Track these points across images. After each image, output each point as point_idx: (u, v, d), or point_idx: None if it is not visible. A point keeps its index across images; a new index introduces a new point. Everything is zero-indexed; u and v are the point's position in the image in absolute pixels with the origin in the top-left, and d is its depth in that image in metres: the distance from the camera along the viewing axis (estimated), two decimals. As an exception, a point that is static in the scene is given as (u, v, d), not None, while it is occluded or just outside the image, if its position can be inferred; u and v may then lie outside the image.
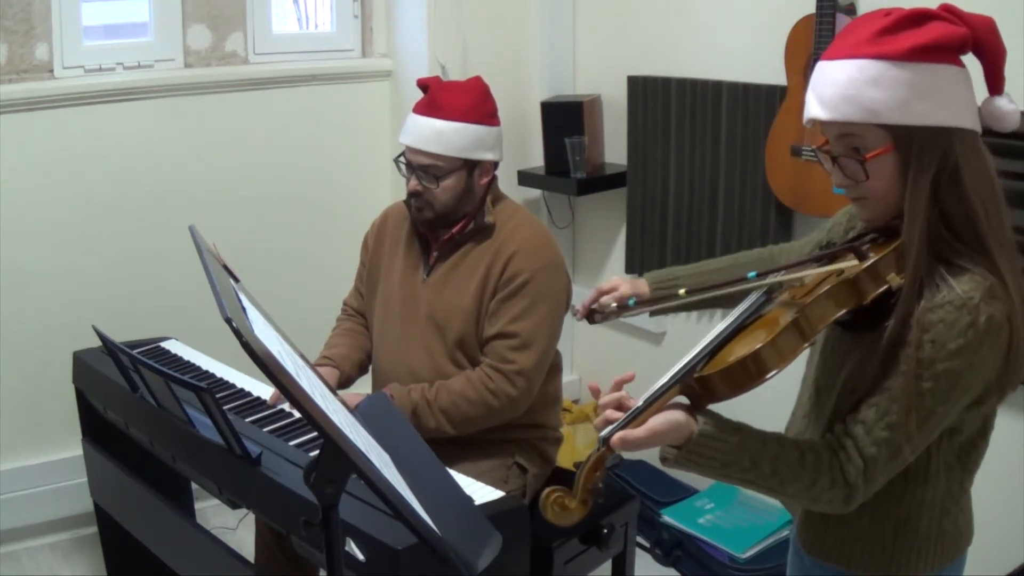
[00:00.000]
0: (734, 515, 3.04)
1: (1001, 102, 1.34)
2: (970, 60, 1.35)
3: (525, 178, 3.50)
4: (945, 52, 1.29)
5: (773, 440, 1.35)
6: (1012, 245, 1.34)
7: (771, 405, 1.71)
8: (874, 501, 1.39)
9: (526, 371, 2.25)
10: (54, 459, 3.12)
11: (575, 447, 3.43)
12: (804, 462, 1.33)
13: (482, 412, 2.24)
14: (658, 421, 1.30)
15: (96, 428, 2.61)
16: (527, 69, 3.54)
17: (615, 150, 3.43)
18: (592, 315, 1.73)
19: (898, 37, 1.29)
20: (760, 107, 2.84)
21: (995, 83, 1.34)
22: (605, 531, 2.33)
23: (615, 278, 1.77)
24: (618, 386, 1.40)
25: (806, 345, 1.30)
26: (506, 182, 3.15)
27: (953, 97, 1.29)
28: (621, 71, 3.30)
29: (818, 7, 2.48)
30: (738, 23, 2.95)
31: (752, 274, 1.45)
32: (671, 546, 3.01)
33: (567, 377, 2.69)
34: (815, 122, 1.36)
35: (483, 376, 2.25)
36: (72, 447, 2.87)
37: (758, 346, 1.26)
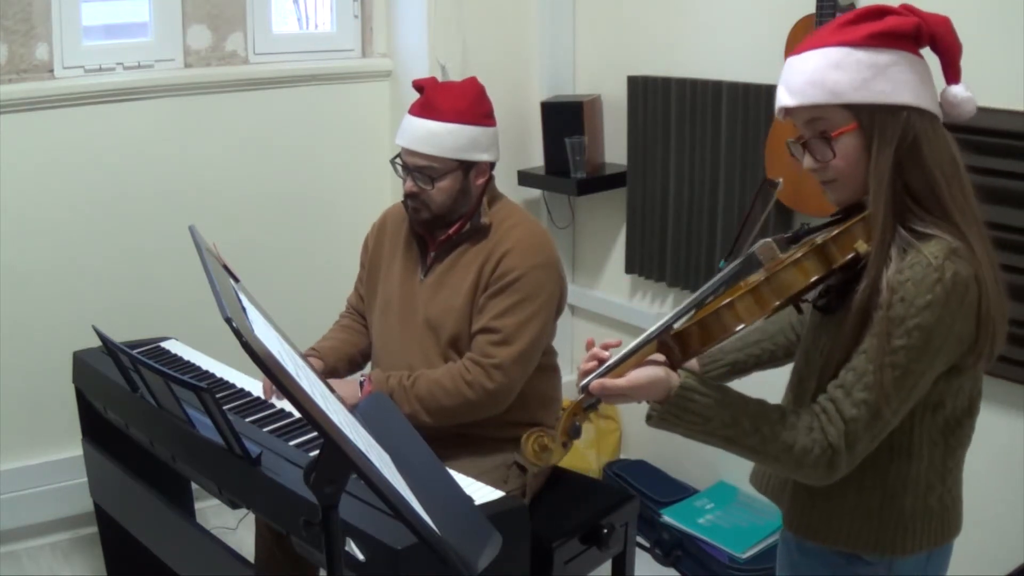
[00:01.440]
0: (734, 515, 3.04)
1: (957, 89, 1.43)
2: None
3: (525, 178, 3.50)
4: (901, 39, 1.38)
5: (755, 401, 1.41)
6: (977, 217, 1.41)
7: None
8: (860, 476, 1.43)
9: (504, 366, 2.24)
10: (54, 459, 3.12)
11: (575, 447, 3.43)
12: (785, 422, 1.39)
13: (458, 403, 2.24)
14: (639, 374, 1.38)
15: (96, 428, 2.61)
16: (527, 69, 3.54)
17: (615, 150, 3.43)
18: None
19: (858, 27, 1.39)
20: (760, 107, 2.84)
21: (952, 75, 1.43)
22: (605, 531, 2.33)
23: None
24: (604, 348, 1.48)
25: (776, 303, 1.38)
26: (506, 182, 3.16)
27: (910, 80, 1.38)
28: (621, 71, 3.30)
29: (818, 7, 2.48)
30: (738, 23, 2.95)
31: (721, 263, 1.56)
32: (671, 546, 3.01)
33: (567, 377, 2.68)
34: (785, 111, 1.46)
35: (461, 368, 2.26)
36: (72, 447, 2.87)
37: (730, 299, 1.37)
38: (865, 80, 1.36)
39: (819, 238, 1.42)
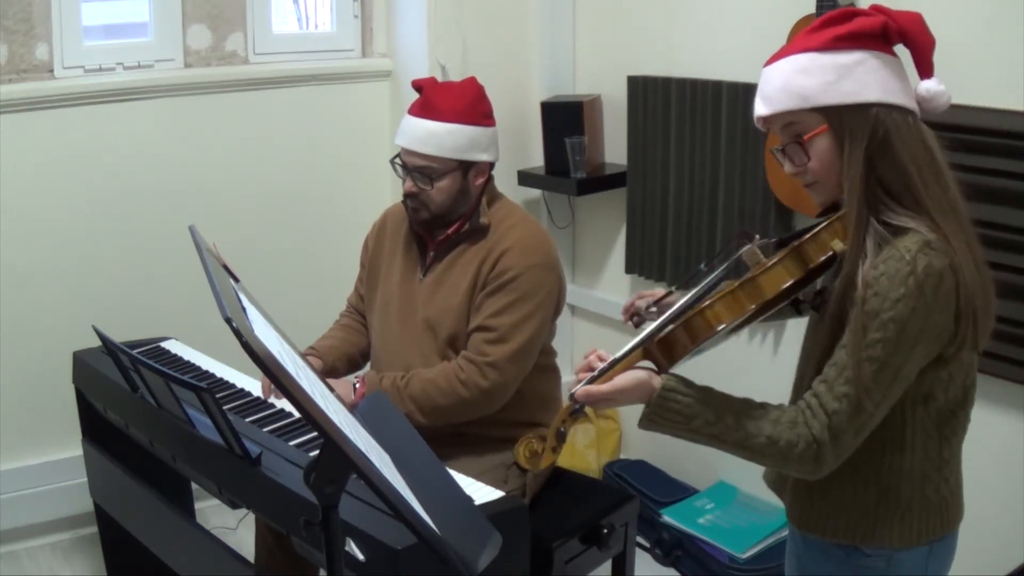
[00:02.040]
0: (734, 515, 3.04)
1: (930, 83, 1.44)
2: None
3: (525, 178, 3.50)
4: (867, 39, 1.40)
5: (739, 399, 1.45)
6: (956, 208, 1.42)
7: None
8: (855, 470, 1.46)
9: (498, 364, 2.24)
10: (54, 459, 3.12)
11: (575, 447, 3.44)
12: (768, 416, 1.42)
13: (453, 402, 2.24)
14: (622, 379, 1.44)
15: (96, 428, 2.61)
16: (527, 69, 3.54)
17: (615, 150, 3.43)
18: (633, 317, 1.82)
19: (823, 32, 1.42)
20: (760, 107, 2.84)
21: (924, 69, 1.44)
22: (605, 531, 2.33)
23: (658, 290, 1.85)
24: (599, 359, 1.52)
25: (754, 306, 1.41)
26: (506, 182, 3.16)
27: (877, 77, 1.40)
28: (621, 71, 3.30)
29: (818, 7, 2.49)
30: (738, 23, 2.95)
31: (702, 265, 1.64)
32: (671, 546, 3.01)
33: (566, 377, 2.69)
34: (763, 120, 1.48)
35: (456, 367, 2.26)
36: (72, 447, 2.87)
37: (714, 299, 1.41)
38: (831, 82, 1.39)
39: (797, 241, 1.45)
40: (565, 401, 1.51)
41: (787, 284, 1.42)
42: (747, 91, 2.87)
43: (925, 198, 1.39)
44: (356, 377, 2.33)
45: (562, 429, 1.50)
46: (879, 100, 1.39)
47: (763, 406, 1.44)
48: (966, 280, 1.37)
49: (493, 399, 2.27)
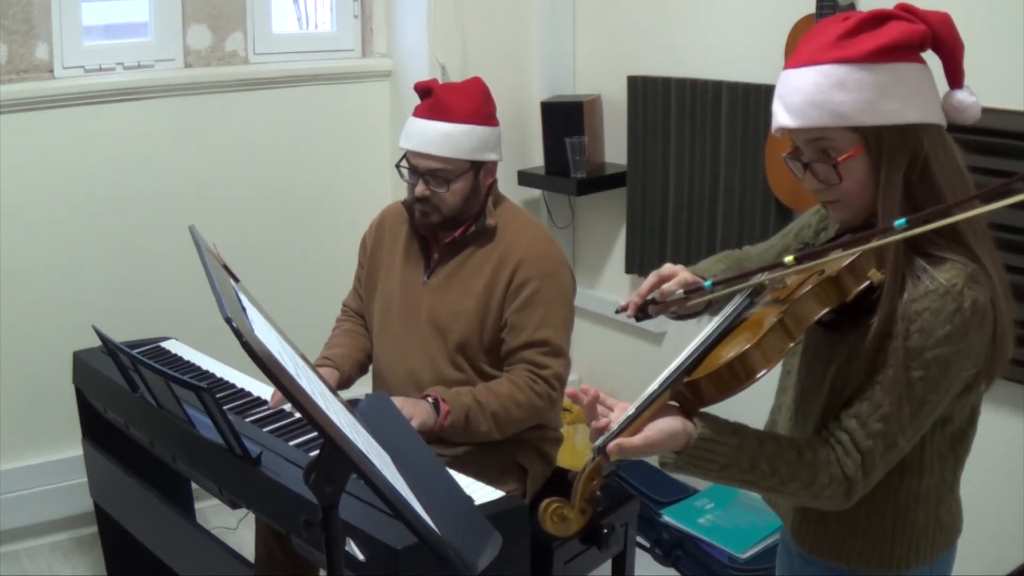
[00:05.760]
0: (734, 515, 3.04)
1: (962, 95, 1.36)
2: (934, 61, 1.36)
3: (525, 178, 3.50)
4: (906, 51, 1.31)
5: (770, 439, 1.35)
6: (988, 233, 1.36)
7: (761, 406, 1.71)
8: (871, 496, 1.40)
9: (561, 376, 2.29)
10: (54, 459, 3.12)
11: (575, 447, 3.43)
12: (802, 460, 1.34)
13: (527, 414, 2.27)
14: (654, 431, 1.29)
15: (96, 428, 2.61)
16: (527, 69, 3.54)
17: (615, 150, 3.43)
18: (646, 307, 1.55)
19: (858, 40, 1.30)
20: (760, 107, 2.84)
21: (955, 77, 1.36)
22: (605, 531, 2.33)
23: (669, 265, 1.58)
24: (592, 404, 1.38)
25: (792, 345, 1.30)
26: (506, 182, 3.16)
27: (918, 93, 1.31)
28: (621, 71, 3.30)
29: (818, 7, 2.48)
30: (738, 23, 2.95)
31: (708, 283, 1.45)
32: (671, 546, 3.01)
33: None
34: (784, 130, 1.37)
35: (528, 380, 2.26)
36: (72, 447, 2.87)
37: (744, 348, 1.27)
38: (871, 101, 1.29)
39: (830, 266, 1.34)
40: (587, 456, 1.35)
41: (824, 311, 1.32)
42: (747, 91, 2.87)
43: (962, 224, 1.30)
44: (428, 394, 2.23)
45: (598, 494, 1.34)
46: (919, 120, 1.30)
47: (794, 445, 1.35)
48: (1003, 316, 1.32)
49: (556, 407, 2.33)
